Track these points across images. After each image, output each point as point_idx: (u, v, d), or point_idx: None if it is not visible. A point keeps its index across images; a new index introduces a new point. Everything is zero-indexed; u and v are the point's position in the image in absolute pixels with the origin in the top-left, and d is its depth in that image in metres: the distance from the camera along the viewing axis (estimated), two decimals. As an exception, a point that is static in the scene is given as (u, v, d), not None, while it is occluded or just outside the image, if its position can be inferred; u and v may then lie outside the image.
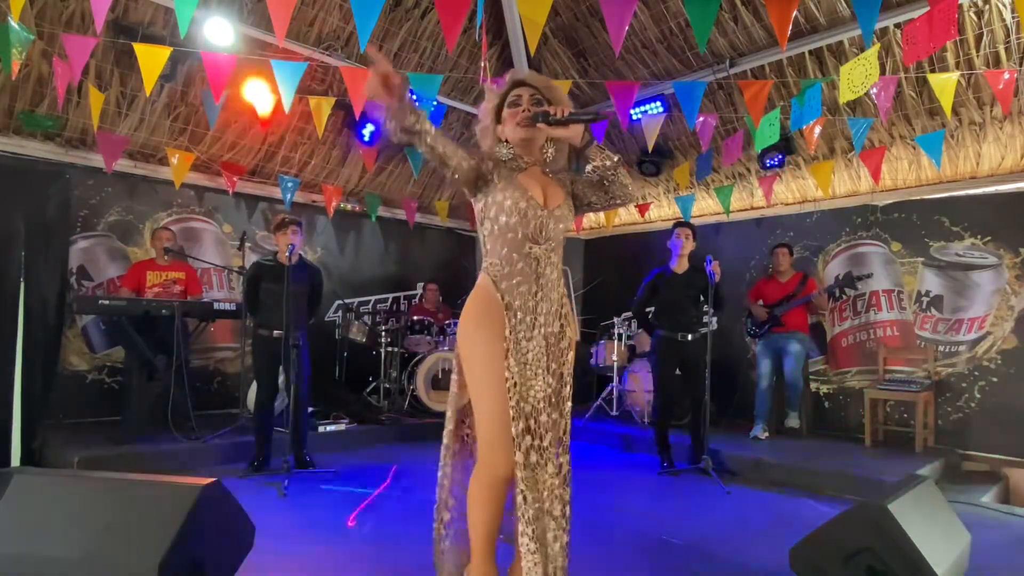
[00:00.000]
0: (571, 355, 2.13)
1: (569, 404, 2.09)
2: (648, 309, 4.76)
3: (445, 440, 2.14)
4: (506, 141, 2.14)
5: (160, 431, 4.48)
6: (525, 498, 1.90)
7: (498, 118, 2.17)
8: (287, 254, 4.07)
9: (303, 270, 4.32)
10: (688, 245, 4.55)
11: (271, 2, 3.38)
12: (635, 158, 6.50)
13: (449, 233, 7.84)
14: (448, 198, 7.41)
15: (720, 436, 4.98)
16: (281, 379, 4.27)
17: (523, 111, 2.07)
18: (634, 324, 6.34)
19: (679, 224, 4.65)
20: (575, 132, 2.02)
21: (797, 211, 6.11)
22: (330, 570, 2.68)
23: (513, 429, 1.91)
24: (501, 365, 1.95)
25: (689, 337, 4.51)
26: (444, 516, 2.13)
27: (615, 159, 2.10)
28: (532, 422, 1.96)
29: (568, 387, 2.10)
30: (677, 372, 4.63)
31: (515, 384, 1.94)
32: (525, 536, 1.90)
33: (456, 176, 2.02)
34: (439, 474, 2.15)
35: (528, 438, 1.93)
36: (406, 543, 2.92)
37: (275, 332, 4.12)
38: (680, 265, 4.58)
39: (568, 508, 2.03)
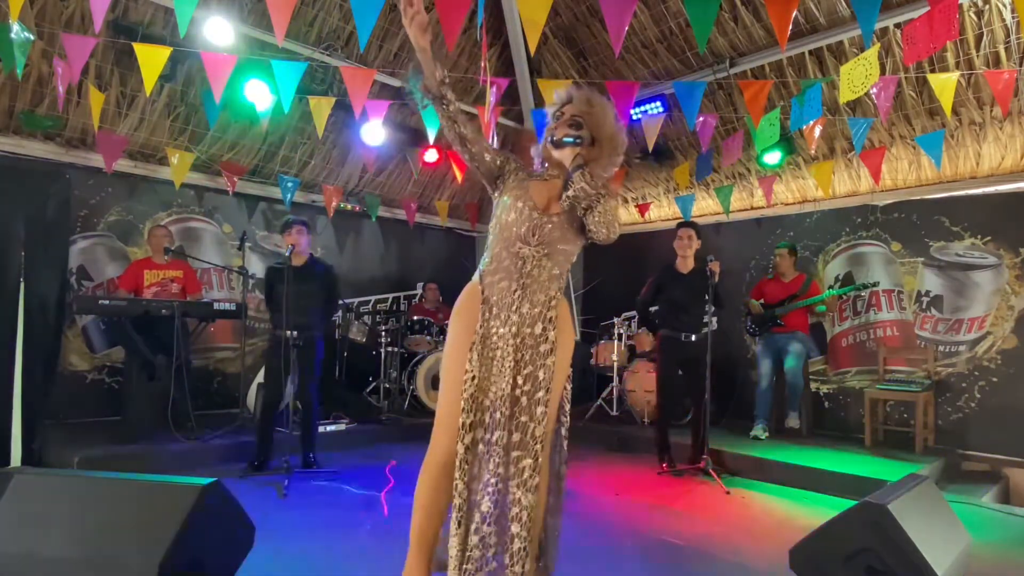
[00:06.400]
0: (556, 360, 2.02)
1: (543, 409, 1.96)
2: (652, 308, 4.76)
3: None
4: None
5: (160, 431, 4.48)
6: (456, 486, 1.94)
7: None
8: (286, 255, 4.11)
9: (313, 270, 4.36)
10: (693, 245, 4.55)
11: (271, 2, 3.38)
12: (635, 158, 6.49)
13: (449, 233, 7.84)
14: (448, 198, 7.41)
15: (720, 436, 4.99)
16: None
17: (557, 129, 2.09)
18: (634, 324, 6.33)
19: (682, 224, 4.66)
20: (563, 155, 2.07)
21: (797, 211, 6.11)
22: (330, 570, 2.68)
23: (461, 419, 1.94)
24: (464, 356, 2.00)
25: (693, 337, 4.51)
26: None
27: (591, 192, 1.95)
28: (487, 416, 1.97)
29: (544, 391, 1.98)
30: (679, 372, 4.63)
31: (473, 377, 1.97)
32: (452, 521, 1.95)
33: (476, 165, 2.12)
34: None
35: (480, 431, 1.96)
36: (406, 542, 2.91)
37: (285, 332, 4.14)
38: (685, 265, 4.59)
39: (525, 513, 1.91)
